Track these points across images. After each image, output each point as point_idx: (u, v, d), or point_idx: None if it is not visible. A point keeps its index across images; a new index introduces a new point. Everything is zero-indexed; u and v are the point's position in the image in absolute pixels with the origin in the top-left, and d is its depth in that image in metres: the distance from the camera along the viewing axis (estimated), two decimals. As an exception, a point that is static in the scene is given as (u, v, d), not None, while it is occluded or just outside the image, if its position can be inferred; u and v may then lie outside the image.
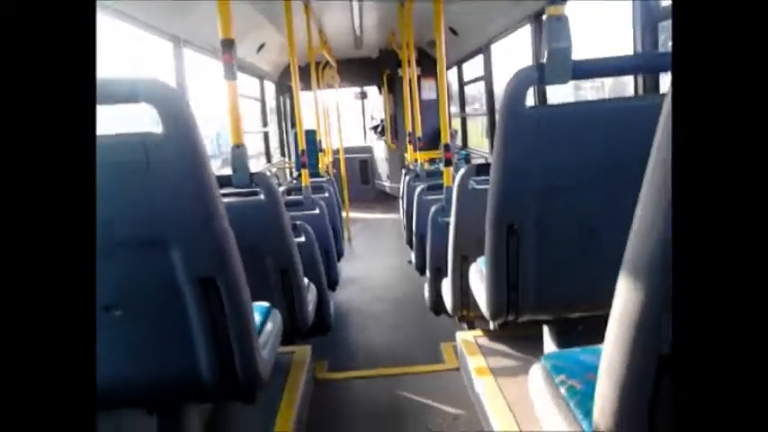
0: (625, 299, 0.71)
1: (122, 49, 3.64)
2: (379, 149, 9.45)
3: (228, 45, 2.11)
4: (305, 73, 6.27)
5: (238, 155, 2.08)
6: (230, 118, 2.18)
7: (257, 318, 1.61)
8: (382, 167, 9.37)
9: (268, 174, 4.10)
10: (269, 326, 1.72)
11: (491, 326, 2.72)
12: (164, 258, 1.26)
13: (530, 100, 1.47)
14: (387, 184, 9.19)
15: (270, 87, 7.56)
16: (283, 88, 8.09)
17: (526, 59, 4.15)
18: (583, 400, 1.00)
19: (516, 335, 2.59)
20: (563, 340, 1.91)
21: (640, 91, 2.55)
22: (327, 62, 7.53)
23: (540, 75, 1.43)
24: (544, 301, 1.69)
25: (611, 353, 0.75)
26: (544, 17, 1.48)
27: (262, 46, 5.95)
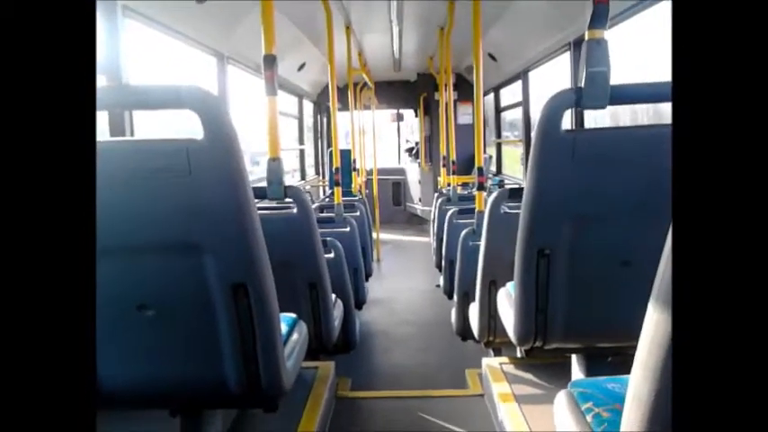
0: (654, 329, 0.69)
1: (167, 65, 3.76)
2: (413, 172, 9.48)
3: (271, 61, 2.15)
4: (343, 93, 6.36)
5: (274, 168, 2.10)
6: (269, 132, 2.23)
7: (284, 327, 1.62)
8: (414, 190, 9.39)
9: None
10: (295, 336, 1.73)
11: (518, 352, 2.68)
12: (197, 262, 1.29)
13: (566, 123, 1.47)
14: (418, 206, 9.19)
15: (307, 106, 7.70)
16: (321, 108, 8.22)
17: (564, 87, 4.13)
18: (609, 429, 0.98)
19: (543, 363, 2.54)
20: (591, 370, 1.86)
21: None
22: (365, 83, 7.63)
23: (577, 98, 1.42)
24: (573, 329, 1.66)
25: (639, 383, 0.73)
26: (583, 43, 1.48)
27: (302, 65, 6.07)
